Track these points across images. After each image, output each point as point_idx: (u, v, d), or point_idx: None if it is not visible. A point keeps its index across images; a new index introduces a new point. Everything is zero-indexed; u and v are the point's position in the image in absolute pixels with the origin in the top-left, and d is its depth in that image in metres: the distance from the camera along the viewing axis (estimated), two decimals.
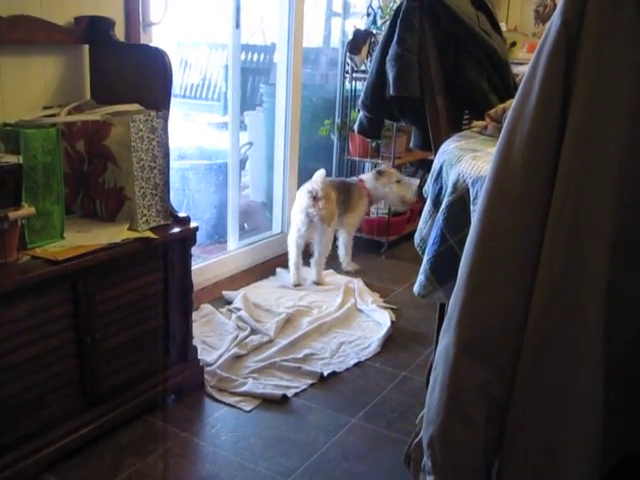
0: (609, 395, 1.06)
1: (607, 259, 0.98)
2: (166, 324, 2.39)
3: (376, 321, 3.23)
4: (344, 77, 4.31)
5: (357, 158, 4.36)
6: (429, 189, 1.74)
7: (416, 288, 1.64)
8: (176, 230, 2.33)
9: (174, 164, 3.93)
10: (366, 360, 2.90)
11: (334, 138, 4.49)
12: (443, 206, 1.58)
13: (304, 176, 4.27)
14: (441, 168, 1.68)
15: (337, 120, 4.45)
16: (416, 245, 1.78)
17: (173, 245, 2.34)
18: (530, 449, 1.03)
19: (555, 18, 0.97)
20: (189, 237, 2.38)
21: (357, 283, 3.61)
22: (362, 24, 4.35)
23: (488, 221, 1.02)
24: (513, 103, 1.03)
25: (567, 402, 0.99)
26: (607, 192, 0.96)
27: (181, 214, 2.40)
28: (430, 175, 1.76)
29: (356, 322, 3.23)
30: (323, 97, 4.62)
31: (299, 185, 4.07)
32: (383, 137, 4.02)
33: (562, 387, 0.99)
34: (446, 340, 1.06)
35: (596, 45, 0.93)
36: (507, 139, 1.02)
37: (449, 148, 1.72)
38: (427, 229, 1.73)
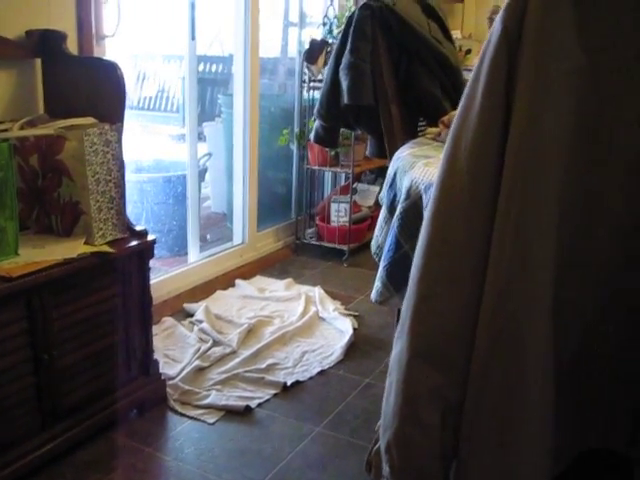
0: (561, 395, 1.07)
1: (553, 261, 1.00)
2: (126, 338, 2.37)
3: (338, 329, 3.24)
4: (302, 87, 4.32)
5: (316, 167, 4.37)
6: (384, 196, 1.76)
7: (373, 295, 1.65)
8: (133, 243, 2.31)
9: (133, 177, 3.92)
10: (329, 368, 2.90)
11: (293, 148, 4.50)
12: (397, 212, 1.60)
13: (264, 186, 4.27)
14: (395, 175, 1.70)
15: (296, 129, 4.46)
16: (373, 252, 1.79)
17: (130, 259, 2.32)
18: (484, 450, 1.04)
19: (496, 24, 0.99)
20: (147, 250, 2.36)
21: (318, 291, 3.62)
22: (318, 34, 4.37)
23: (436, 227, 1.04)
24: (458, 110, 1.04)
25: (518, 402, 1.01)
26: (552, 197, 0.98)
27: (138, 227, 2.38)
28: (385, 182, 1.78)
29: (318, 330, 3.23)
30: (281, 107, 4.64)
31: (259, 195, 4.08)
32: (342, 146, 4.04)
33: (513, 387, 1.00)
34: (399, 345, 1.07)
35: (535, 50, 0.95)
36: (453, 145, 1.03)
37: (403, 155, 1.74)
38: (383, 236, 1.75)
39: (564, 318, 1.03)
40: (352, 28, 2.17)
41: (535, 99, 0.95)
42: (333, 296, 3.63)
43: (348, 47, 2.17)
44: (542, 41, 0.95)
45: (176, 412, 2.53)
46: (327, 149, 4.16)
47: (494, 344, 0.99)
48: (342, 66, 2.16)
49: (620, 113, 1.01)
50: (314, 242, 4.41)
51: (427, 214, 1.07)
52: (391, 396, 1.09)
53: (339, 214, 4.27)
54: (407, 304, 1.07)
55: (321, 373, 2.87)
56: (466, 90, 1.03)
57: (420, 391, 1.05)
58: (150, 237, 2.37)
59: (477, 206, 0.99)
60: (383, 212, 1.75)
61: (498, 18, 0.99)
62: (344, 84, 2.12)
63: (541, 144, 0.96)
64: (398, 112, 2.03)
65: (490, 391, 1.01)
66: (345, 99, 2.11)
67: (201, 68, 5.51)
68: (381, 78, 2.05)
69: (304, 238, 4.44)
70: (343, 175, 4.67)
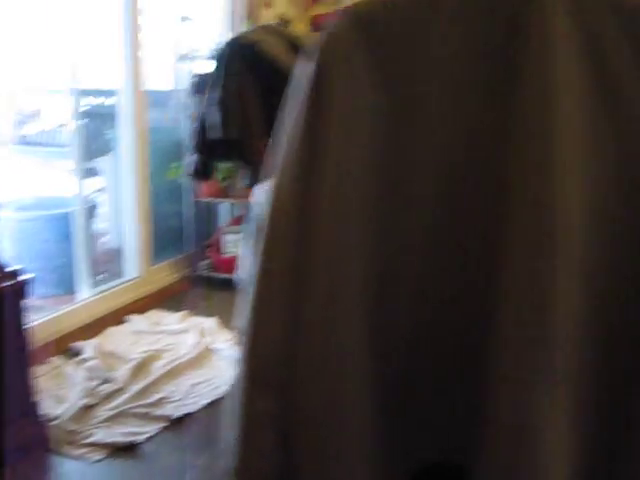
0: (389, 414, 1.13)
1: (366, 284, 1.06)
2: (2, 382, 2.32)
3: (231, 359, 3.25)
4: (192, 120, 4.34)
5: (209, 199, 4.40)
6: (248, 227, 1.81)
7: (239, 323, 1.68)
8: (6, 284, 2.28)
9: (19, 215, 3.84)
10: (219, 399, 2.91)
11: (185, 181, 4.50)
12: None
13: (159, 220, 4.26)
14: (256, 207, 1.75)
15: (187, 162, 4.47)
16: (237, 283, 1.83)
17: (4, 299, 2.28)
18: (314, 470, 1.09)
19: (309, 67, 1.05)
20: (21, 290, 2.33)
21: (211, 323, 3.63)
22: (207, 67, 4.42)
23: (263, 256, 1.09)
24: (280, 148, 1.10)
25: (338, 425, 1.06)
26: (357, 232, 1.05)
27: (12, 267, 2.35)
28: (249, 213, 1.83)
29: (209, 362, 3.24)
30: (173, 140, 4.64)
31: (153, 229, 4.06)
32: (228, 177, 4.08)
33: (331, 410, 1.06)
34: (237, 371, 1.11)
35: (338, 87, 1.02)
36: (277, 178, 1.09)
37: (265, 187, 1.79)
38: (247, 266, 1.79)
39: (384, 338, 1.10)
40: (221, 65, 2.23)
41: (337, 132, 1.03)
42: (227, 327, 3.64)
43: (216, 83, 2.22)
44: (344, 80, 1.02)
45: (59, 453, 2.49)
46: (219, 180, 4.20)
47: (311, 368, 1.05)
48: (210, 101, 2.21)
49: (421, 143, 1.07)
50: (209, 274, 4.42)
51: (257, 243, 1.12)
52: (231, 422, 1.12)
53: (232, 245, 4.30)
54: (242, 330, 1.12)
55: (211, 404, 2.87)
56: (284, 130, 1.09)
57: (255, 416, 1.09)
58: (25, 276, 2.35)
59: (292, 235, 1.05)
60: (247, 243, 1.80)
61: (312, 62, 1.05)
62: (211, 119, 2.17)
63: (344, 180, 1.03)
64: (263, 145, 2.09)
65: (311, 415, 1.07)
66: (212, 133, 2.16)
67: (98, 101, 5.46)
68: (246, 113, 2.11)
69: (199, 270, 4.44)
70: (239, 206, 4.70)
